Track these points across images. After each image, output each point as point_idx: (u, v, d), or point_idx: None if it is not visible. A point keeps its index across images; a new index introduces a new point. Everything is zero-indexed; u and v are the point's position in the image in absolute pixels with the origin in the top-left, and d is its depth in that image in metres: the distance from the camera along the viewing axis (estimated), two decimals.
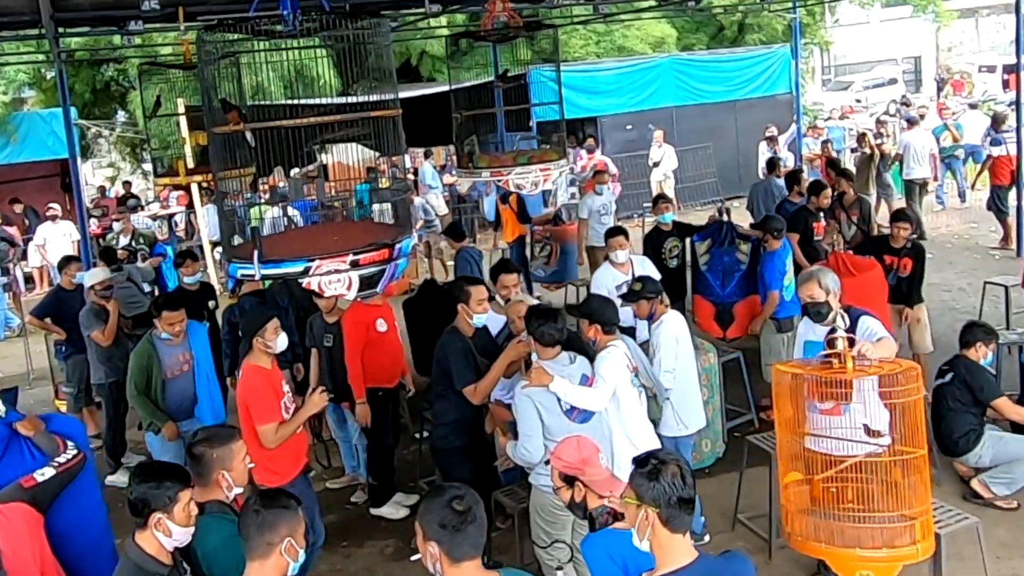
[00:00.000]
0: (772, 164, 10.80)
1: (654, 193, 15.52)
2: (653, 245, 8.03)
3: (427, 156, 16.29)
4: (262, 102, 9.34)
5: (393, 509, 6.10)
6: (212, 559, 3.28)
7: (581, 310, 4.86)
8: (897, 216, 7.30)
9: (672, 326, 5.23)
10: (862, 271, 6.75)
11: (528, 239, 10.83)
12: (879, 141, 13.76)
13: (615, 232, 7.01)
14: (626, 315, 5.39)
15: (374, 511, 6.14)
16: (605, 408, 4.42)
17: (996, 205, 12.06)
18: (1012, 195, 11.86)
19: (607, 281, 6.56)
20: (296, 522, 2.94)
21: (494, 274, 5.95)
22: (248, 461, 3.61)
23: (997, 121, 13.08)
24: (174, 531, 3.07)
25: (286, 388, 4.71)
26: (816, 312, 4.49)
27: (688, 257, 7.98)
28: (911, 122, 13.81)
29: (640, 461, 2.76)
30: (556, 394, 4.21)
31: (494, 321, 5.28)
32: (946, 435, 5.65)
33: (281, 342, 4.66)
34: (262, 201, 12.56)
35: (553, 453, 3.47)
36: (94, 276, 7.25)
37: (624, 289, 5.61)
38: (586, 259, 9.92)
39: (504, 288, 5.65)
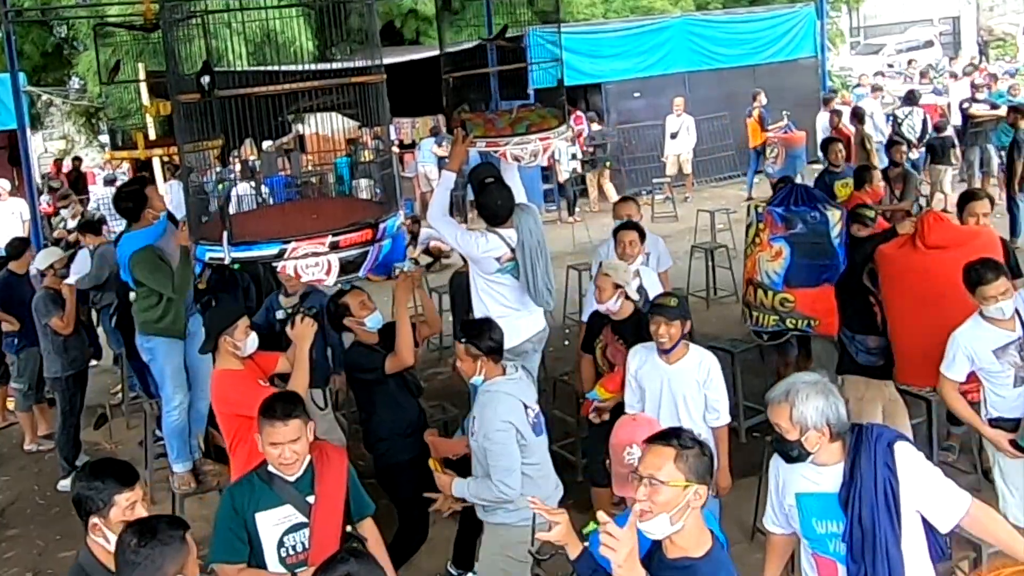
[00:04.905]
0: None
1: (668, 169, 15.52)
2: None
3: (435, 133, 16.31)
4: (233, 68, 9.28)
5: None
6: None
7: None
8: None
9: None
10: (966, 240, 5.10)
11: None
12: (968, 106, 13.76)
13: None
14: None
15: None
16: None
17: None
18: None
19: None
20: (184, 554, 2.63)
21: None
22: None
23: None
24: (112, 540, 2.82)
25: (263, 383, 4.50)
26: (783, 452, 3.26)
27: None
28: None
29: (674, 436, 2.67)
30: (526, 404, 4.14)
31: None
32: None
33: (251, 343, 4.44)
34: (233, 176, 12.52)
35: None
36: (50, 255, 7.15)
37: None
38: None
39: None
